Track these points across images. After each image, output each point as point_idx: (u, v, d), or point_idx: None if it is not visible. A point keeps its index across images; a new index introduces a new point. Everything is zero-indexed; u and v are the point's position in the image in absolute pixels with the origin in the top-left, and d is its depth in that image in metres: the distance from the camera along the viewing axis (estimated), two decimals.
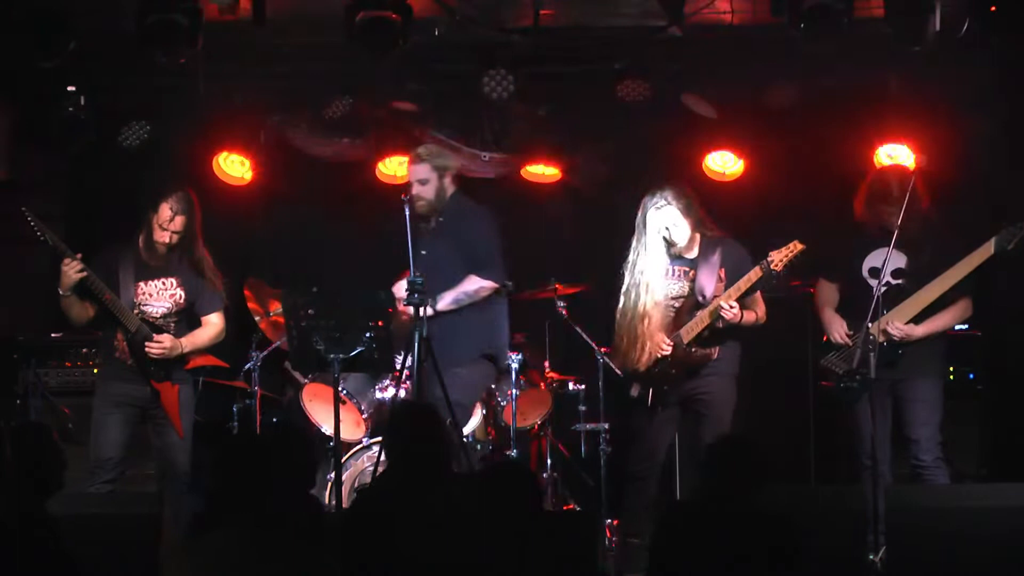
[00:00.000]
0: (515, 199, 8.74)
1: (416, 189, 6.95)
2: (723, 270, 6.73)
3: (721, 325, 6.67)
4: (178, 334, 6.82)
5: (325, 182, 8.77)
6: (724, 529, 4.48)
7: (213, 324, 6.95)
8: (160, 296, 6.83)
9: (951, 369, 7.11)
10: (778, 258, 6.53)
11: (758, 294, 6.83)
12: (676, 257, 6.87)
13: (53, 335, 7.76)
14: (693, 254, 6.87)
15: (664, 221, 6.78)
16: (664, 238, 6.81)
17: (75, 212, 8.35)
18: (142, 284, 6.80)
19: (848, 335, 6.60)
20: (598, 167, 8.33)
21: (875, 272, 6.53)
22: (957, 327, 7.38)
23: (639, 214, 6.88)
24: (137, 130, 7.66)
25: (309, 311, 6.40)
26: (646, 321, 6.80)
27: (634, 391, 6.96)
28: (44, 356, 7.68)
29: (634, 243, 6.91)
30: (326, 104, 7.74)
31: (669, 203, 6.78)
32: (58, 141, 7.60)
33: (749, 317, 6.72)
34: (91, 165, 8.31)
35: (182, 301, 6.87)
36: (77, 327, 6.89)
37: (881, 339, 6.42)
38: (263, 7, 6.53)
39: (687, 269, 6.85)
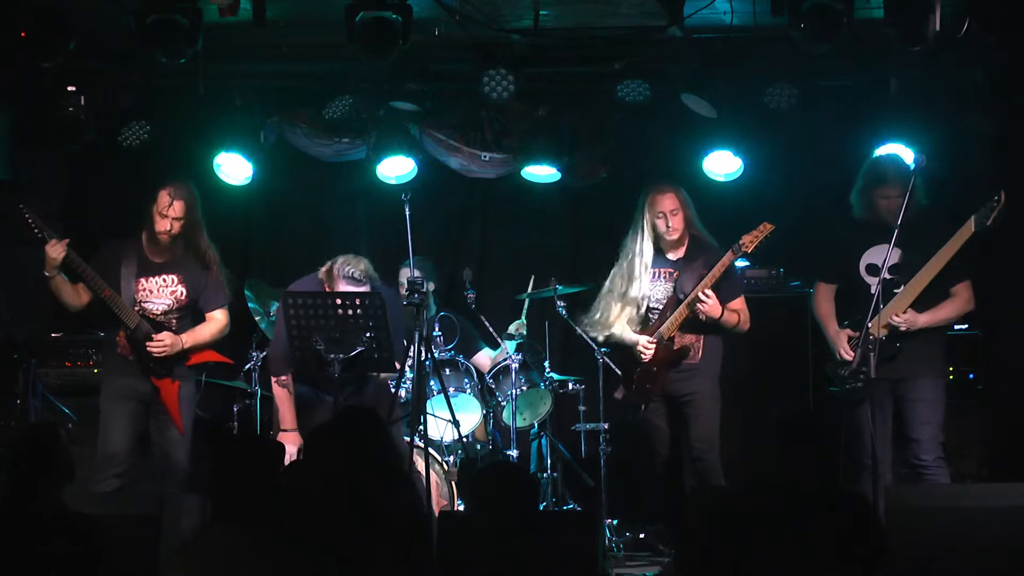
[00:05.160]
0: (515, 199, 8.74)
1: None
2: (705, 271, 6.82)
3: (703, 317, 6.78)
4: (180, 331, 6.81)
5: (325, 182, 8.78)
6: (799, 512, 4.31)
7: (216, 320, 6.94)
8: (160, 293, 6.82)
9: (951, 369, 7.11)
10: (748, 240, 6.76)
11: (741, 302, 6.89)
12: (661, 256, 6.93)
13: (53, 335, 7.76)
14: (679, 255, 6.97)
15: (664, 206, 6.90)
16: (657, 228, 6.89)
17: (75, 212, 8.35)
18: (143, 280, 6.80)
19: (851, 347, 6.60)
20: (597, 167, 8.33)
21: (872, 269, 6.56)
22: (957, 327, 7.39)
23: (639, 203, 7.01)
24: (137, 130, 7.65)
25: (309, 311, 6.40)
26: (627, 307, 6.96)
27: (619, 394, 7.09)
28: (44, 356, 7.68)
29: (630, 232, 7.05)
30: (326, 104, 7.74)
31: (672, 190, 6.95)
32: (58, 141, 7.60)
33: (730, 318, 6.84)
34: (91, 165, 8.32)
35: (183, 298, 6.86)
36: (72, 313, 6.84)
37: (881, 334, 6.43)
38: (263, 7, 6.52)
39: (671, 271, 6.94)
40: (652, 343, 6.89)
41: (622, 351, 7.14)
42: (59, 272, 6.59)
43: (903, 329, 6.50)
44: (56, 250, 6.53)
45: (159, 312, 6.81)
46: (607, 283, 7.11)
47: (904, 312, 6.50)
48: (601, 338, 7.15)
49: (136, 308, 6.74)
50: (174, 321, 6.83)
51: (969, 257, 6.57)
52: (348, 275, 6.75)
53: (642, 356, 6.91)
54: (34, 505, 4.34)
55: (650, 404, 6.99)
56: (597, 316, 7.10)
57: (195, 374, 6.94)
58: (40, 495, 4.38)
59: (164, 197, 6.73)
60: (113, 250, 6.83)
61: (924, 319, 6.54)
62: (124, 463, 6.67)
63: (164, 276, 6.84)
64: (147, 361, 6.72)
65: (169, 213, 6.74)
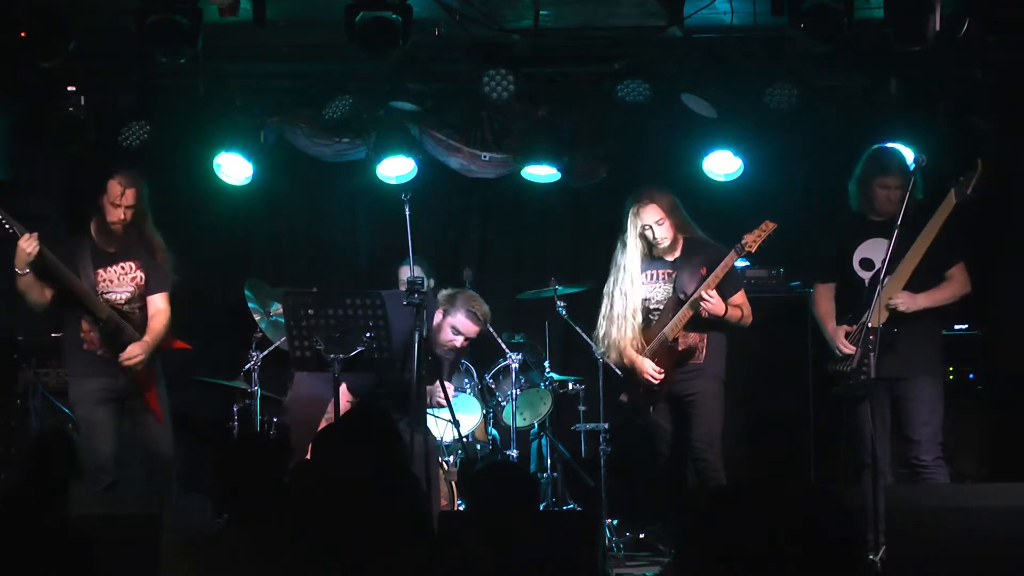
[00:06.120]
0: (515, 199, 8.75)
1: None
2: (705, 269, 6.79)
3: (705, 315, 6.75)
4: (142, 320, 6.81)
5: (325, 182, 8.78)
6: (771, 511, 4.33)
7: (161, 310, 6.89)
8: (121, 282, 6.81)
9: (951, 369, 7.10)
10: (751, 239, 6.72)
11: (742, 295, 6.89)
12: (657, 259, 6.93)
13: (53, 335, 7.75)
14: (675, 255, 6.95)
15: (647, 219, 6.86)
16: (646, 237, 6.87)
17: (75, 212, 8.34)
18: (101, 271, 6.78)
19: (850, 342, 6.59)
20: (597, 167, 8.33)
21: (866, 263, 6.56)
22: (957, 327, 7.39)
23: (625, 212, 6.98)
24: (137, 130, 7.65)
25: (309, 311, 6.40)
26: (625, 325, 6.93)
27: (624, 397, 7.05)
28: (44, 356, 7.67)
29: (619, 244, 7.01)
30: (326, 104, 7.74)
31: (653, 200, 6.88)
32: (58, 141, 7.60)
33: (733, 313, 6.83)
34: (91, 165, 8.32)
35: (143, 283, 6.85)
36: (36, 311, 6.80)
37: (880, 322, 6.41)
38: (263, 7, 6.52)
39: (669, 271, 6.92)
40: (660, 373, 6.85)
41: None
42: (30, 269, 6.56)
43: (902, 310, 6.48)
44: (30, 244, 6.49)
45: (123, 301, 6.79)
46: (604, 303, 7.05)
47: (900, 294, 6.49)
48: (613, 357, 7.06)
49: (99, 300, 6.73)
50: (137, 310, 6.82)
51: (960, 239, 6.56)
52: (471, 310, 7.13)
53: (652, 382, 6.87)
54: (42, 511, 4.34)
55: (656, 407, 6.97)
56: (605, 339, 7.04)
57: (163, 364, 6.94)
58: (47, 503, 4.39)
59: (115, 187, 6.72)
60: (68, 248, 6.78)
61: (923, 300, 6.53)
62: (115, 471, 6.66)
63: (122, 264, 6.82)
64: (118, 353, 6.70)
65: (122, 202, 6.72)
